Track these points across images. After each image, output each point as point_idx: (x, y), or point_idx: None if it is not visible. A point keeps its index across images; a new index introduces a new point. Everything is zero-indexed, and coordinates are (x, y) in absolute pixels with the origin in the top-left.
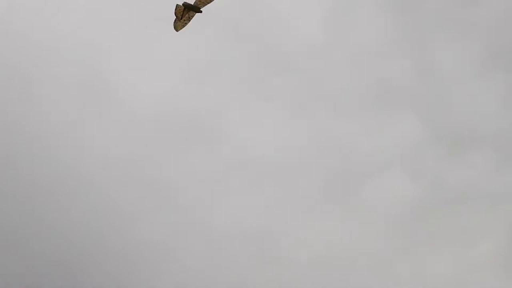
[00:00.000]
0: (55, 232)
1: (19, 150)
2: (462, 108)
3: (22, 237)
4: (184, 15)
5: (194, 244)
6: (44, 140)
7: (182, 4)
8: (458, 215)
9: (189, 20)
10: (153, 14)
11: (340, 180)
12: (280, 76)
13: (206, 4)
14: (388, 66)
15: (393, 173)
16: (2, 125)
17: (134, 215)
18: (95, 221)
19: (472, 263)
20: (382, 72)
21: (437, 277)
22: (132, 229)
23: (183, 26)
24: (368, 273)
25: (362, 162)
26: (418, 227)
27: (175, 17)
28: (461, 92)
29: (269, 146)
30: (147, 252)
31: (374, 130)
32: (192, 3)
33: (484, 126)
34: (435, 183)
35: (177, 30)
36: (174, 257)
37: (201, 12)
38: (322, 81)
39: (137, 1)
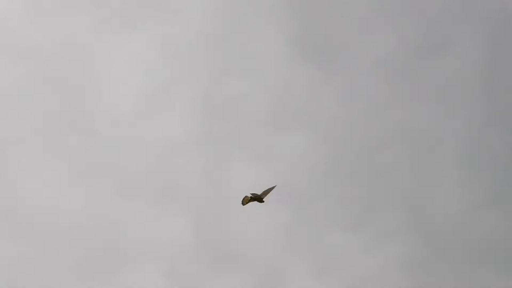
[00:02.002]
0: None
1: None
2: None
3: None
4: (248, 203)
5: None
6: None
7: (251, 195)
8: None
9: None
10: None
11: None
12: None
13: (266, 195)
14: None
15: None
16: None
17: None
18: None
19: None
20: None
21: None
22: None
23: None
24: None
25: None
26: None
27: (241, 204)
28: None
29: None
30: None
31: None
32: (259, 193)
33: None
34: None
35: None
36: None
37: (263, 202)
38: None
39: None
